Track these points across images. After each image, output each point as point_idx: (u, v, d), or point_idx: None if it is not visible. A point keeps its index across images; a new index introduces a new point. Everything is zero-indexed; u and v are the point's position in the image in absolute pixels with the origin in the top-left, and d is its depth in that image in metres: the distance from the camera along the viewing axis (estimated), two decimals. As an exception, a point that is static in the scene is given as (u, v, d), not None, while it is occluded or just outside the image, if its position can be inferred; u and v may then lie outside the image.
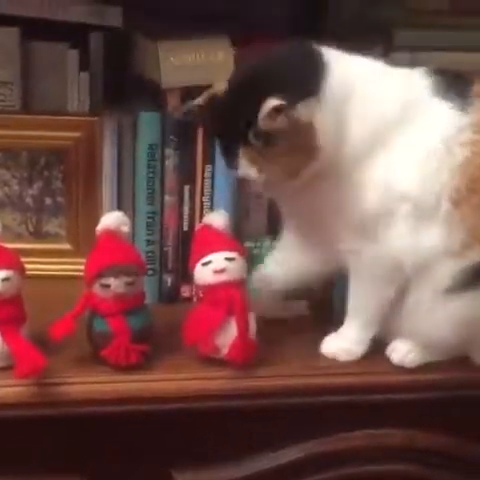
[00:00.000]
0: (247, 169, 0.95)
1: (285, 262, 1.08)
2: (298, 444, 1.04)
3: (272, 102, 0.91)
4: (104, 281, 0.99)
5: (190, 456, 1.03)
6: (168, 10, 1.15)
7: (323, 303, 1.12)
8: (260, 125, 0.92)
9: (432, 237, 0.97)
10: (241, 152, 0.94)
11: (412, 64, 1.00)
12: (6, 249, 1.01)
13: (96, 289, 1.00)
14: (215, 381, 1.01)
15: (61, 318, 0.99)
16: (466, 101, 0.97)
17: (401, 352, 1.03)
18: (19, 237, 1.20)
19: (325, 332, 1.06)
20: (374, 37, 1.12)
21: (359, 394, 1.03)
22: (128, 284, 1.00)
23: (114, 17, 1.15)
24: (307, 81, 0.93)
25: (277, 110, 0.91)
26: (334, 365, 1.03)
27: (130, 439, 1.02)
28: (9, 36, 1.14)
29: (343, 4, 1.16)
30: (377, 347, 1.04)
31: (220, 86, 0.97)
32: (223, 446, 1.03)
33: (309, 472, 1.05)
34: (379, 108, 0.96)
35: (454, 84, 0.98)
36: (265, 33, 1.05)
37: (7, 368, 0.97)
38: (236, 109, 0.94)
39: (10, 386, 0.97)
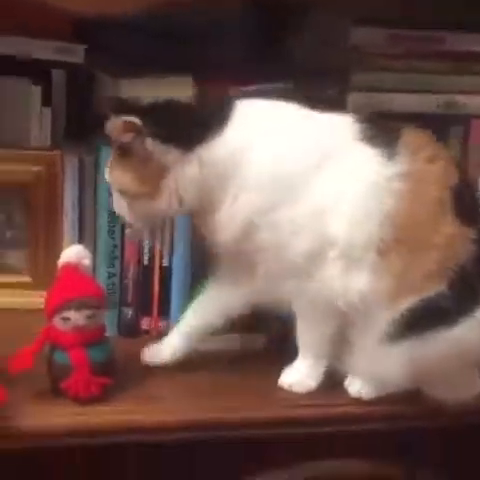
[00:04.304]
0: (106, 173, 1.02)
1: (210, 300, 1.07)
2: (254, 477, 1.05)
3: (125, 117, 0.96)
4: (65, 314, 1.00)
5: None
6: (131, 50, 1.17)
7: (285, 337, 1.13)
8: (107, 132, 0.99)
9: (361, 282, 0.98)
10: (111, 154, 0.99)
11: (367, 106, 1.02)
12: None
13: (56, 322, 1.00)
14: (174, 413, 1.01)
15: (20, 351, 0.99)
16: (393, 150, 0.95)
17: (357, 385, 1.05)
18: (-21, 270, 1.20)
19: (282, 365, 1.07)
20: (330, 78, 1.15)
21: (317, 426, 1.04)
22: (88, 317, 1.00)
23: (77, 54, 1.17)
24: (187, 132, 0.97)
25: (127, 127, 0.96)
26: (291, 397, 1.04)
27: (89, 472, 1.02)
28: (-28, 71, 1.15)
29: (300, 46, 1.19)
30: (338, 379, 1.05)
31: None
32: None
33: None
34: (292, 154, 0.95)
35: (382, 132, 0.96)
36: (226, 74, 1.07)
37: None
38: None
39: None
